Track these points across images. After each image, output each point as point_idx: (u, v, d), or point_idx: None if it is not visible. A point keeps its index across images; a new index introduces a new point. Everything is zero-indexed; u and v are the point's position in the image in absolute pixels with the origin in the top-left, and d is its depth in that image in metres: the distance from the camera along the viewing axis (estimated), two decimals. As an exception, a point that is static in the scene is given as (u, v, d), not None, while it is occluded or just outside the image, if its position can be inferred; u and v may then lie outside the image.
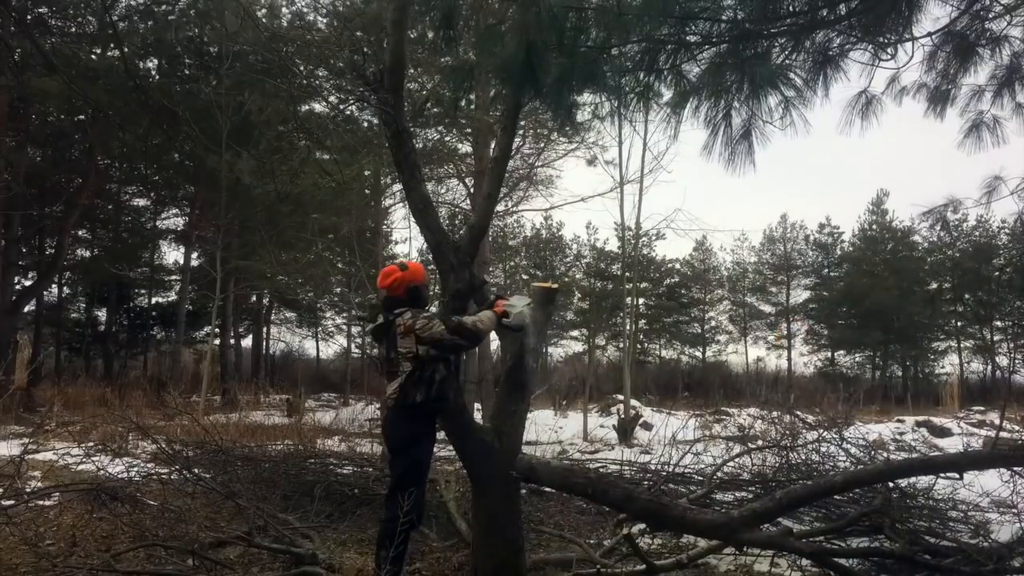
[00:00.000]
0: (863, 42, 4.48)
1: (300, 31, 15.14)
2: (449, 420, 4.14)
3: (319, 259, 20.37)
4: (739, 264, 35.16)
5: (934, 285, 30.89)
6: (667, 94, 4.43)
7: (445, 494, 5.51)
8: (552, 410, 17.21)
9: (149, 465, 6.90)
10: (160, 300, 28.15)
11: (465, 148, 17.82)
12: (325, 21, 15.71)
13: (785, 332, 33.12)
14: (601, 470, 7.42)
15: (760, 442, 7.27)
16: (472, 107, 13.88)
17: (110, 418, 10.04)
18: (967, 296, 30.86)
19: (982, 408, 19.95)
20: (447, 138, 17.82)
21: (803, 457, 6.15)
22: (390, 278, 4.04)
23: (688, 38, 4.14)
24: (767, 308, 34.81)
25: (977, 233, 31.02)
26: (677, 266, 34.84)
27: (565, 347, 35.07)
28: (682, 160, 33.93)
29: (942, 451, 10.36)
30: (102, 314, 27.77)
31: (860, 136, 5.43)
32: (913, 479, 5.10)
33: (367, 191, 19.57)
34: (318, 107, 15.98)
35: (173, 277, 26.43)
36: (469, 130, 16.19)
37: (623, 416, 14.01)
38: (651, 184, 23.14)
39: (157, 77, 17.79)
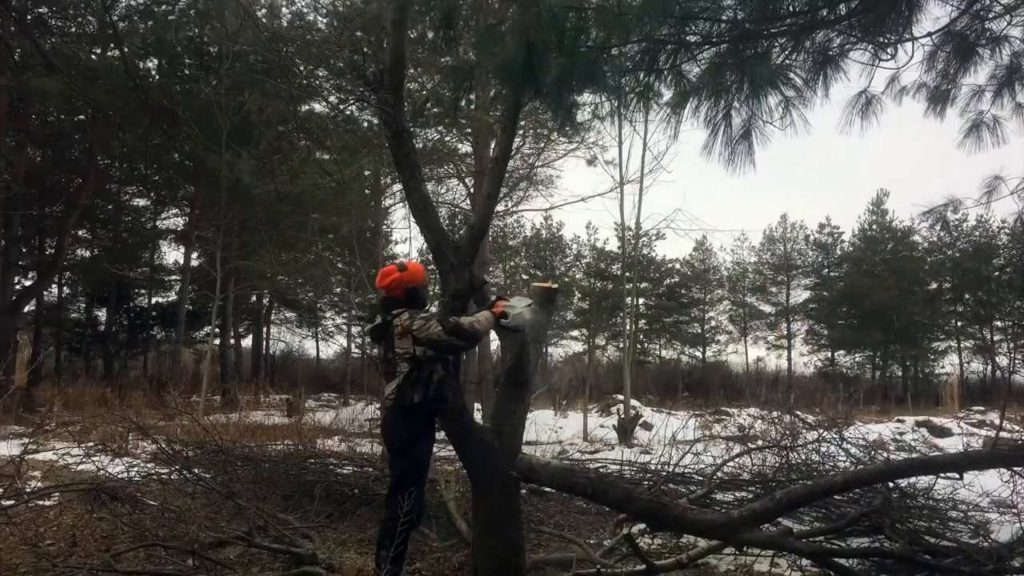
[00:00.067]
0: (863, 42, 4.48)
1: (300, 31, 15.15)
2: (449, 420, 4.14)
3: (319, 259, 20.37)
4: (739, 264, 35.20)
5: (934, 285, 30.89)
6: (667, 94, 4.43)
7: (445, 494, 5.51)
8: (552, 410, 17.21)
9: (149, 465, 6.90)
10: (160, 300, 28.19)
11: (465, 148, 17.83)
12: (325, 21, 15.73)
13: (785, 332, 33.12)
14: (601, 470, 7.42)
15: (760, 442, 7.26)
16: (472, 107, 13.88)
17: (110, 418, 10.04)
18: (967, 296, 30.86)
19: (982, 408, 19.95)
20: (447, 138, 17.83)
21: (803, 457, 6.14)
22: (388, 278, 4.05)
23: (688, 38, 4.14)
24: (767, 308, 34.83)
25: (977, 233, 31.02)
26: (677, 266, 34.85)
27: (565, 347, 35.12)
28: (682, 160, 33.96)
29: (942, 451, 10.36)
30: (102, 314, 27.79)
31: (860, 136, 5.44)
32: (913, 479, 5.10)
33: (367, 191, 19.57)
34: (318, 107, 16.01)
35: (173, 277, 26.43)
36: (469, 130, 16.19)
37: (623, 416, 14.01)
38: (651, 184, 23.17)
39: (157, 77, 17.78)
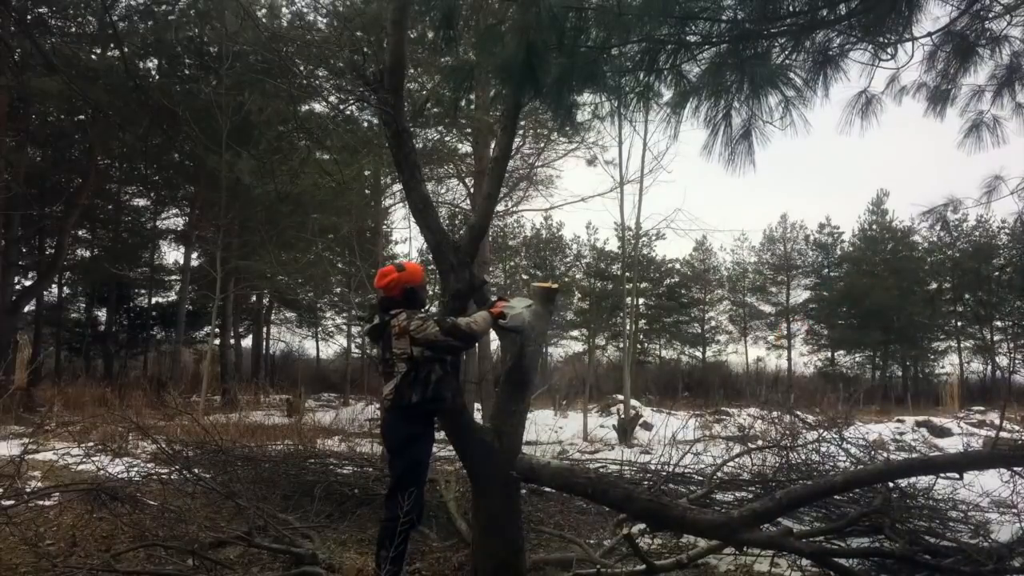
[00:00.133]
0: (863, 42, 4.48)
1: (300, 31, 15.15)
2: (449, 420, 4.14)
3: (319, 259, 20.37)
4: (739, 264, 35.21)
5: (934, 285, 30.88)
6: (667, 94, 4.43)
7: (445, 494, 5.51)
8: (552, 410, 17.20)
9: (149, 465, 6.90)
10: (160, 300, 28.20)
11: (465, 148, 17.84)
12: (325, 21, 15.74)
13: (785, 332, 33.14)
14: (601, 470, 7.42)
15: (760, 442, 7.26)
16: (472, 107, 13.89)
17: (110, 418, 10.05)
18: (967, 296, 30.85)
19: (982, 408, 19.95)
20: (447, 138, 17.85)
21: (803, 457, 6.14)
22: (386, 279, 4.05)
23: (688, 38, 4.14)
24: (767, 308, 34.84)
25: (977, 233, 31.03)
26: (677, 266, 34.87)
27: (565, 347, 35.14)
28: (682, 160, 33.98)
29: (942, 451, 10.36)
30: (102, 314, 27.80)
31: (860, 136, 5.44)
32: (913, 479, 5.09)
33: (367, 191, 19.59)
34: (318, 107, 16.02)
35: (173, 277, 26.44)
36: (469, 130, 16.20)
37: (623, 416, 14.01)
38: (651, 184, 23.20)
39: (157, 77, 17.79)
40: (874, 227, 33.32)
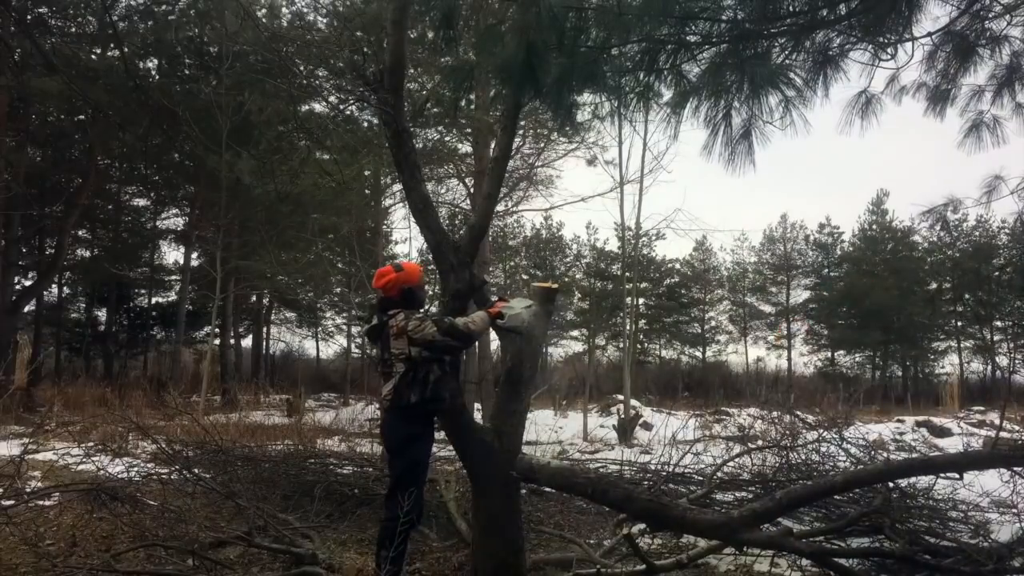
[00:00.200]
0: (863, 42, 4.48)
1: (300, 31, 15.16)
2: (449, 420, 4.14)
3: (319, 259, 20.38)
4: (739, 264, 35.21)
5: (934, 285, 30.87)
6: (667, 94, 4.43)
7: (445, 494, 5.51)
8: (552, 410, 17.21)
9: (149, 465, 6.90)
10: (160, 300, 28.19)
11: (465, 148, 17.85)
12: (325, 21, 15.75)
13: (785, 332, 33.13)
14: (601, 470, 7.42)
15: (760, 442, 7.25)
16: (472, 107, 13.89)
17: (110, 418, 10.05)
18: (967, 296, 30.83)
19: (982, 408, 19.95)
20: (447, 138, 17.86)
21: (803, 457, 6.13)
22: (384, 279, 4.05)
23: (688, 38, 4.14)
24: (767, 308, 34.83)
25: (977, 233, 31.02)
26: (677, 266, 34.86)
27: (565, 347, 35.13)
28: (682, 160, 33.96)
29: (942, 451, 10.35)
30: (102, 314, 27.79)
31: (860, 136, 5.43)
32: (913, 479, 5.09)
33: (367, 191, 19.60)
34: (318, 107, 16.02)
35: (173, 277, 26.43)
36: (469, 130, 16.20)
37: (623, 416, 14.01)
38: (651, 184, 23.20)
39: (157, 77, 17.79)
40: (874, 227, 33.32)
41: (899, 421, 15.73)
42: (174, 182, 21.99)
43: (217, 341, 22.28)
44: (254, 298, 26.55)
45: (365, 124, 15.83)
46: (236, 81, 14.80)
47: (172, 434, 8.55)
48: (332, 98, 14.87)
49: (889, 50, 4.59)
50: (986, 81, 5.35)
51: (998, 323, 31.20)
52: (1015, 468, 4.35)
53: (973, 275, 29.35)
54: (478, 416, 7.66)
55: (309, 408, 16.82)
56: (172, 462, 5.88)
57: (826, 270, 34.25)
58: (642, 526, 4.86)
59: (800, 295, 34.07)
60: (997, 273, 28.36)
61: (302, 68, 13.13)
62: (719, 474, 6.15)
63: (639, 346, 31.34)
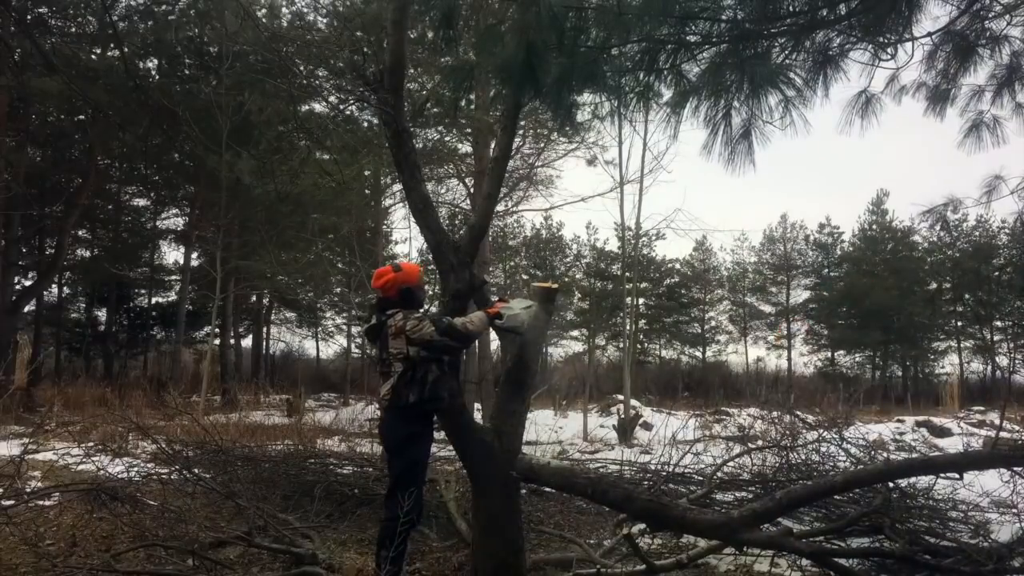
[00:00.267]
0: (863, 42, 4.48)
1: (300, 31, 15.16)
2: (449, 420, 4.14)
3: (319, 259, 20.39)
4: (739, 264, 35.20)
5: (934, 285, 30.86)
6: (667, 94, 4.42)
7: (445, 494, 5.51)
8: (552, 410, 17.20)
9: (149, 465, 6.90)
10: (160, 300, 28.18)
11: (465, 148, 17.85)
12: (325, 21, 15.76)
13: (785, 332, 33.12)
14: (601, 470, 7.43)
15: (760, 442, 7.26)
16: (472, 107, 13.90)
17: (110, 418, 10.05)
18: (967, 296, 30.84)
19: (982, 408, 19.94)
20: (447, 138, 17.86)
21: (803, 457, 6.13)
22: (383, 279, 4.05)
23: (688, 38, 4.14)
24: (767, 308, 34.83)
25: (977, 233, 31.01)
26: (677, 266, 34.85)
27: (565, 347, 35.09)
28: (682, 160, 33.99)
29: (942, 451, 10.35)
30: (102, 314, 27.78)
31: (860, 136, 5.42)
32: (913, 479, 5.09)
33: (367, 191, 19.61)
34: (318, 107, 16.02)
35: (173, 277, 26.43)
36: (469, 130, 16.21)
37: (623, 416, 14.01)
38: (651, 184, 23.18)
39: (157, 77, 17.78)
40: (874, 227, 33.32)
41: (899, 421, 15.73)
42: (174, 182, 21.99)
43: (217, 341, 22.28)
44: (254, 298, 26.55)
45: (365, 124, 15.85)
46: (236, 81, 14.80)
47: (172, 434, 8.55)
48: (332, 98, 14.89)
49: (889, 50, 4.59)
50: (986, 81, 5.35)
51: (998, 323, 31.19)
52: (1015, 468, 4.35)
53: (973, 275, 29.36)
54: (478, 416, 7.67)
55: (309, 408, 16.82)
56: (172, 462, 5.88)
57: (826, 270, 34.25)
58: (642, 526, 4.86)
59: (800, 295, 34.13)
60: (997, 273, 28.36)
61: (302, 68, 13.13)
62: (719, 474, 6.15)
63: (639, 346, 31.34)
